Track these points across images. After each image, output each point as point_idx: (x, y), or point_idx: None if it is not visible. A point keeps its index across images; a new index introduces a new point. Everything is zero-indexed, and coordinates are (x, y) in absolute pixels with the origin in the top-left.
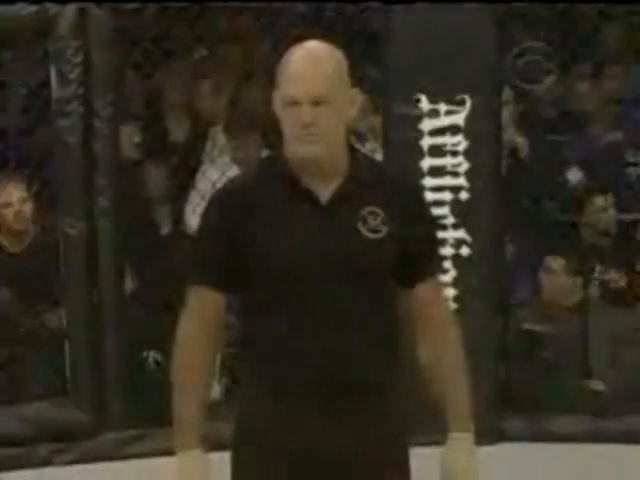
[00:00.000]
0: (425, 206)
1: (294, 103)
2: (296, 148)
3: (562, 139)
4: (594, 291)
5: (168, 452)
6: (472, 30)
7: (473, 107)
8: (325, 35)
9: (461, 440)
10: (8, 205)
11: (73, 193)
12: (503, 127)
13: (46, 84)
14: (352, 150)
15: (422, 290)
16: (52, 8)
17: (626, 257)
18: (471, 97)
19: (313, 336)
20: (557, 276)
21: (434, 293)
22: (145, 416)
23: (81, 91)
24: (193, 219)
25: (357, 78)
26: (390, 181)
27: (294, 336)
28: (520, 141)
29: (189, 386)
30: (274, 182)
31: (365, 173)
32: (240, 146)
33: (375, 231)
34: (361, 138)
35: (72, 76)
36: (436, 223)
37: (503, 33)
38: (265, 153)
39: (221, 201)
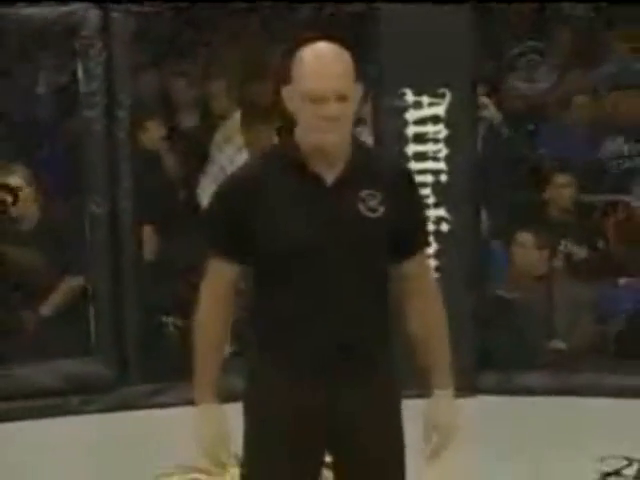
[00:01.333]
0: (415, 187)
1: (319, 99)
2: (319, 138)
3: (532, 127)
4: (559, 263)
5: (182, 404)
6: (451, 31)
7: (452, 100)
8: (332, 36)
9: (444, 396)
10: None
11: (98, 176)
12: (483, 106)
13: (74, 79)
14: (352, 137)
15: (411, 264)
16: (78, 12)
17: (587, 234)
18: (450, 91)
19: (319, 305)
20: (527, 250)
21: (421, 267)
22: (161, 372)
23: (105, 85)
24: (204, 198)
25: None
26: (385, 165)
27: (302, 305)
28: (497, 117)
29: (208, 348)
30: (284, 165)
31: (364, 158)
32: (253, 135)
33: (373, 210)
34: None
35: (97, 72)
36: (424, 203)
37: (478, 33)
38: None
39: (235, 182)
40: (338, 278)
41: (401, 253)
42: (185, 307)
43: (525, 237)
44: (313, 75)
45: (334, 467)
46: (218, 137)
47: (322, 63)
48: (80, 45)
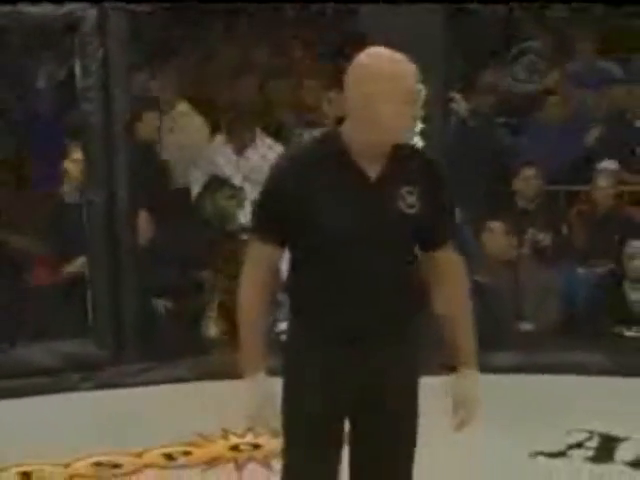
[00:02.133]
0: (447, 183)
1: (402, 101)
2: (388, 135)
3: (501, 121)
4: (525, 249)
5: (173, 381)
6: (425, 31)
7: (426, 96)
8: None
9: (470, 374)
10: (76, 161)
11: (96, 166)
12: (455, 100)
13: (72, 75)
14: None
15: (441, 253)
16: (77, 11)
17: (552, 222)
18: (425, 87)
19: (354, 286)
20: (496, 236)
21: (450, 255)
22: (154, 352)
23: (101, 81)
24: (195, 187)
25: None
26: (422, 161)
27: (339, 285)
28: (464, 111)
29: (253, 322)
30: (330, 158)
31: (404, 154)
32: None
33: (411, 207)
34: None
35: (93, 68)
36: (453, 197)
37: (451, 33)
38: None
39: (284, 170)
40: (373, 264)
41: (433, 244)
42: (176, 291)
43: (494, 225)
44: (396, 78)
45: (352, 435)
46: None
47: (401, 67)
48: (78, 43)
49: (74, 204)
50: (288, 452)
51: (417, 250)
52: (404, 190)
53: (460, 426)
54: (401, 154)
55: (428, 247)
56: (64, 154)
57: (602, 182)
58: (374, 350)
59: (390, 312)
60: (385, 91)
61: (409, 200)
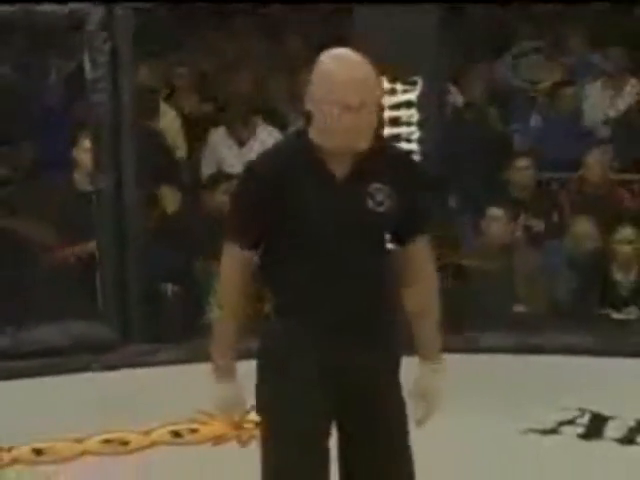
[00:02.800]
0: (420, 178)
1: (349, 108)
2: (344, 142)
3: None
4: (519, 235)
5: (179, 362)
6: (423, 26)
7: (423, 87)
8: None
9: (431, 368)
10: (87, 151)
11: (104, 154)
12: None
13: (81, 68)
14: None
15: (411, 248)
16: (85, 8)
17: (544, 208)
18: (422, 79)
19: (329, 283)
20: (498, 223)
21: (421, 251)
22: (160, 333)
23: (109, 73)
24: (206, 170)
25: None
26: (393, 157)
27: (314, 282)
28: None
29: (236, 326)
30: (299, 157)
31: (373, 152)
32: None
33: (380, 204)
34: None
35: (101, 61)
36: (428, 192)
37: (448, 28)
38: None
39: (255, 172)
40: (347, 261)
41: (404, 238)
42: (182, 275)
43: (496, 212)
44: (344, 85)
45: (341, 437)
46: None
47: (353, 73)
48: (86, 38)
49: (85, 192)
50: (274, 453)
51: (390, 245)
52: (372, 188)
53: (421, 420)
54: (371, 151)
55: (399, 241)
56: (73, 144)
57: (593, 158)
58: (355, 346)
59: (366, 308)
60: (338, 97)
61: (378, 198)
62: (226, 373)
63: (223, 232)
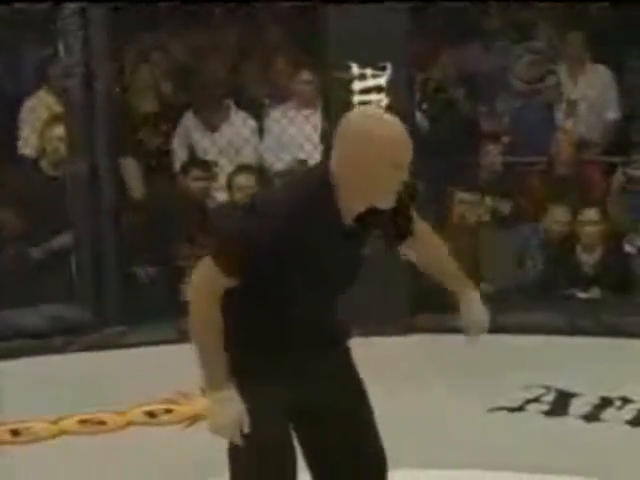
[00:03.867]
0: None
1: (402, 167)
2: (384, 201)
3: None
4: (486, 216)
5: (152, 343)
6: (391, 14)
7: (392, 72)
8: None
9: (472, 297)
10: (59, 139)
11: (78, 137)
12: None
13: (55, 53)
14: None
15: (410, 239)
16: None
17: (510, 190)
18: (391, 64)
19: (312, 313)
20: (466, 205)
21: (419, 234)
22: (134, 315)
23: (83, 59)
24: (179, 155)
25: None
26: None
27: (295, 313)
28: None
29: (210, 339)
30: (323, 217)
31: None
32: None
33: (370, 246)
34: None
35: (76, 47)
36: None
37: (416, 13)
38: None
39: (280, 239)
40: (332, 297)
41: (401, 240)
42: (157, 257)
43: (464, 194)
44: (400, 145)
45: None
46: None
47: (402, 134)
48: (60, 24)
49: (53, 177)
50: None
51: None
52: (371, 234)
53: (474, 341)
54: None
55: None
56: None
57: (560, 135)
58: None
59: (333, 339)
60: (385, 158)
61: (369, 243)
62: (227, 396)
63: (214, 255)
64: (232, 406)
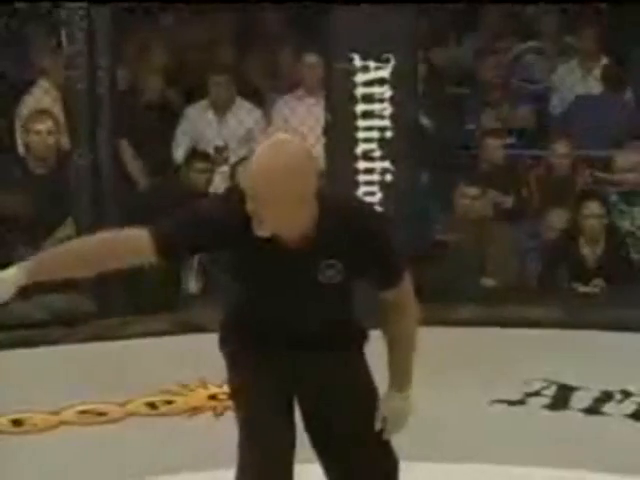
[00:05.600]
0: (381, 237)
1: (256, 198)
2: (282, 230)
3: (465, 92)
4: (489, 210)
5: (154, 334)
6: (395, 8)
7: (396, 64)
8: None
9: (397, 397)
10: (38, 133)
11: (81, 129)
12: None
13: (59, 43)
14: (321, 201)
15: (388, 293)
16: None
17: (513, 185)
18: (394, 56)
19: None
20: (469, 199)
21: (399, 294)
22: (136, 306)
23: (86, 48)
24: (178, 151)
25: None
26: (348, 220)
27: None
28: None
29: (69, 251)
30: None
31: (330, 221)
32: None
33: (331, 278)
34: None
35: (79, 37)
36: (391, 246)
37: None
38: None
39: (231, 203)
40: (299, 317)
41: (378, 287)
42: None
43: (467, 188)
44: (260, 177)
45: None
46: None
47: (282, 165)
48: (64, 14)
49: (42, 175)
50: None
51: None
52: (324, 264)
53: (387, 435)
54: (328, 221)
55: (375, 288)
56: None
57: (560, 149)
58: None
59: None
60: (268, 193)
61: (329, 273)
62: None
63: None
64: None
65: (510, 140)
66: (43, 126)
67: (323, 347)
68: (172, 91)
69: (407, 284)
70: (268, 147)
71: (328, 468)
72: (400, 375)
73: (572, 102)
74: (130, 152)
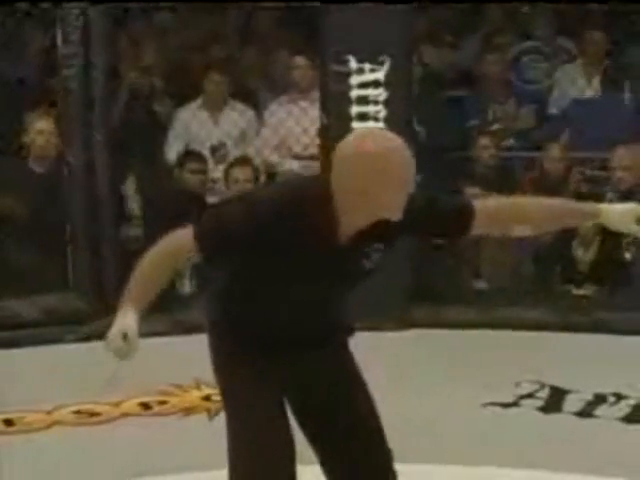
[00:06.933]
0: (429, 200)
1: (392, 182)
2: (392, 213)
3: (461, 94)
4: None
5: (153, 334)
6: (390, 10)
7: (390, 66)
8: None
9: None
10: (40, 133)
11: (75, 130)
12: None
13: (54, 44)
14: None
15: (476, 226)
16: None
17: (505, 185)
18: (389, 59)
19: (299, 312)
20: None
21: (481, 214)
22: None
23: (81, 49)
24: (170, 153)
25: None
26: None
27: (282, 310)
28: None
29: (147, 268)
30: (313, 219)
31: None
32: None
33: (374, 262)
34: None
35: (74, 37)
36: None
37: (415, 11)
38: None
39: (264, 215)
40: (319, 302)
41: (463, 228)
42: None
43: (473, 190)
44: (394, 161)
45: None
46: None
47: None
48: (59, 13)
49: (41, 174)
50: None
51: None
52: (372, 248)
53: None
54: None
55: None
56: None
57: (553, 153)
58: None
59: (321, 338)
60: (386, 180)
61: (374, 257)
62: (127, 312)
63: (196, 228)
64: (124, 319)
65: (510, 141)
66: (46, 125)
67: (324, 343)
68: (163, 95)
69: (488, 203)
70: (370, 135)
71: (325, 462)
72: (572, 207)
73: (570, 104)
74: (133, 188)
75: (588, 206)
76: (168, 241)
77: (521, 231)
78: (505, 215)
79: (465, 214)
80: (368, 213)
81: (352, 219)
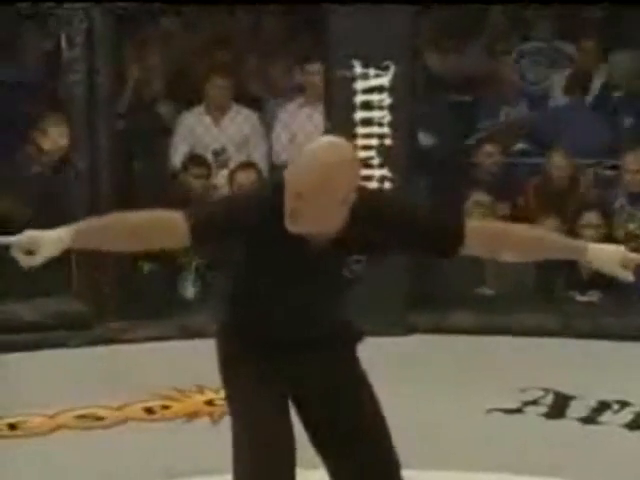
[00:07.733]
0: (409, 207)
1: (301, 195)
2: (323, 226)
3: (465, 99)
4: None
5: (153, 339)
6: (395, 13)
7: (395, 72)
8: None
9: (590, 247)
10: (49, 136)
11: (80, 134)
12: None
13: (57, 47)
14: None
15: (465, 245)
16: None
17: (510, 192)
18: (394, 64)
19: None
20: (482, 207)
21: (476, 235)
22: (135, 311)
23: (85, 53)
24: (175, 157)
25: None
26: (375, 213)
27: (271, 310)
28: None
29: (114, 223)
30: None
31: (360, 215)
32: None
33: (354, 272)
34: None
35: (78, 41)
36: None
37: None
38: None
39: (251, 205)
40: (310, 315)
41: (449, 250)
42: (158, 252)
43: (482, 197)
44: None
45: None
46: None
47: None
48: (63, 17)
49: (46, 176)
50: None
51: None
52: (351, 259)
53: (630, 262)
54: (358, 215)
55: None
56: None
57: (557, 160)
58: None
59: (316, 339)
60: (318, 190)
61: (355, 267)
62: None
63: (186, 211)
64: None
65: (519, 146)
66: (56, 129)
67: (327, 346)
68: (165, 102)
69: (479, 225)
70: (322, 146)
71: (331, 466)
72: (564, 243)
73: (569, 107)
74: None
75: (576, 242)
76: (159, 212)
77: (509, 257)
78: (496, 241)
79: (453, 235)
80: (306, 220)
81: (297, 223)
